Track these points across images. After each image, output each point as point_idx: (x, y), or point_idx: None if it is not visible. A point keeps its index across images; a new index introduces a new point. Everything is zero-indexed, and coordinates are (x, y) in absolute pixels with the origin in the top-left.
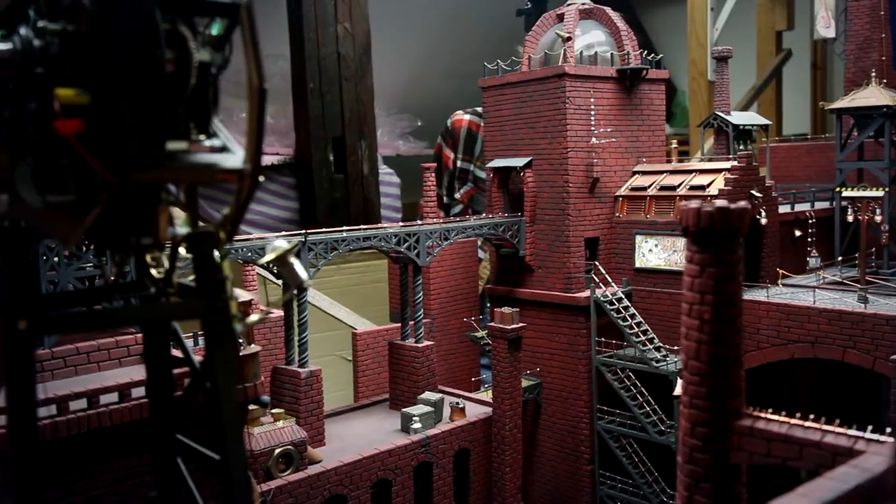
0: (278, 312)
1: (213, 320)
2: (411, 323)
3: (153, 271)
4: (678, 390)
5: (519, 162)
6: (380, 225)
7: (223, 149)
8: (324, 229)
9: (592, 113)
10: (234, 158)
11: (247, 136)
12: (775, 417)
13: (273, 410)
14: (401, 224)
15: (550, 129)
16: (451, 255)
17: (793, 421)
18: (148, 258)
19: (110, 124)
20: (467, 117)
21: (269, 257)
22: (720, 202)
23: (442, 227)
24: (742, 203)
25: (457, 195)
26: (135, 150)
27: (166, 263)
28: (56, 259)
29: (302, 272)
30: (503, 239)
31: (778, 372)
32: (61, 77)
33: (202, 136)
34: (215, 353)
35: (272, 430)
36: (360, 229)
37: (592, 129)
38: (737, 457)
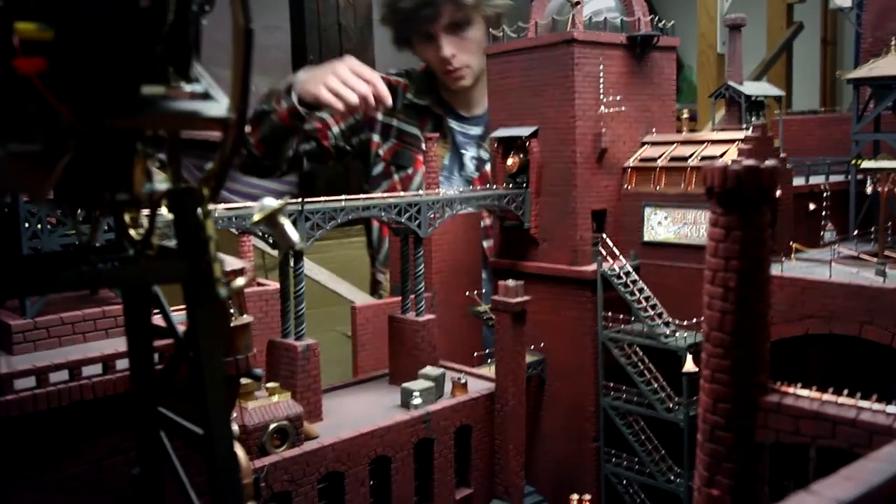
0: (275, 285)
1: (195, 284)
2: (412, 296)
3: (132, 232)
4: (687, 366)
5: (524, 131)
6: (380, 194)
7: (205, 95)
8: (322, 198)
9: (601, 81)
10: (218, 106)
11: (232, 82)
12: (805, 393)
13: (268, 385)
14: (402, 194)
15: (558, 98)
16: (454, 227)
17: (825, 397)
18: (126, 218)
19: (77, 64)
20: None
21: (256, 217)
22: (748, 161)
23: (444, 198)
24: (772, 161)
25: (380, 151)
26: (105, 93)
27: (146, 223)
28: (39, 226)
29: (293, 233)
30: (507, 211)
31: (789, 349)
32: (22, 9)
33: (182, 82)
34: (197, 319)
35: (267, 405)
36: (359, 199)
37: (601, 97)
38: (762, 435)
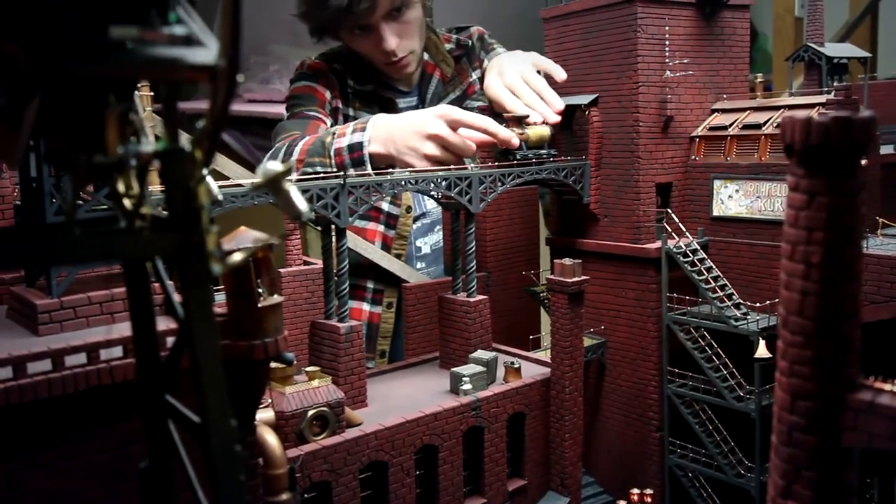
0: (319, 263)
1: (187, 259)
2: (462, 276)
3: (126, 201)
4: (760, 352)
5: (584, 100)
6: (429, 168)
7: (190, 40)
8: (366, 172)
9: (667, 43)
10: (206, 52)
11: (221, 24)
12: None
13: (308, 368)
14: (452, 167)
15: (619, 63)
16: (509, 203)
17: None
18: (120, 185)
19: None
20: (321, 60)
21: (259, 182)
22: (838, 112)
23: (497, 172)
24: (868, 113)
25: None
26: (65, 34)
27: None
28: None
29: (301, 201)
30: (565, 185)
31: (876, 335)
32: None
33: (161, 23)
34: (190, 298)
35: (306, 390)
36: (406, 171)
37: (667, 61)
38: (851, 438)
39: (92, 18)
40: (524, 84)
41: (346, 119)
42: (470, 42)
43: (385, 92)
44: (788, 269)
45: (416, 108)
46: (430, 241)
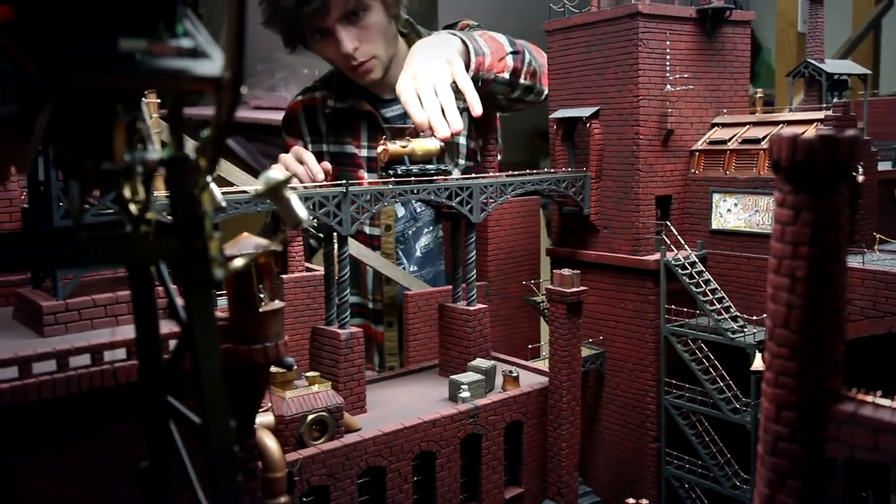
0: (320, 270)
1: (190, 264)
2: (463, 285)
3: (132, 207)
4: (756, 365)
5: (585, 112)
6: (428, 177)
7: (196, 52)
8: (369, 180)
9: (668, 58)
10: (211, 64)
11: (226, 38)
12: (887, 403)
13: (308, 374)
14: (453, 176)
15: (621, 76)
16: (510, 213)
17: None
18: (126, 191)
19: (44, 12)
20: (300, 97)
21: (260, 190)
22: (823, 130)
23: (498, 182)
24: (852, 131)
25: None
26: (75, 47)
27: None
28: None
29: (300, 209)
30: (566, 196)
31: (871, 350)
32: None
33: (169, 35)
34: (192, 302)
35: (306, 395)
36: (408, 181)
37: (668, 75)
38: (834, 449)
39: (101, 31)
40: (432, 94)
41: (321, 156)
42: None
43: (365, 106)
44: (775, 282)
45: (403, 114)
46: (420, 244)
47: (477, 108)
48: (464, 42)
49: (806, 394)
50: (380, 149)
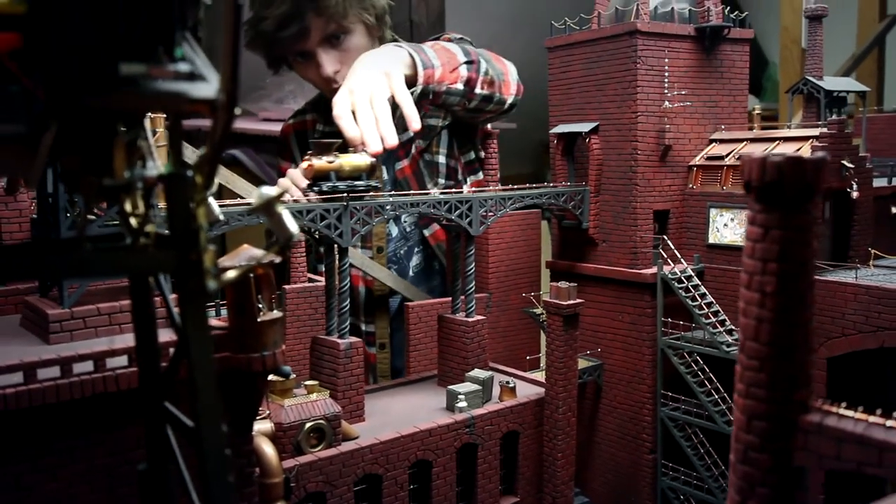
0: (322, 280)
1: (185, 275)
2: (462, 296)
3: (132, 220)
4: None
5: (585, 127)
6: (429, 191)
7: (193, 75)
8: (370, 193)
9: (666, 75)
10: (207, 87)
11: (221, 61)
12: (850, 413)
13: (307, 382)
14: (453, 190)
15: (620, 92)
16: (511, 226)
17: (872, 418)
18: (127, 205)
19: (50, 39)
20: (291, 121)
21: (253, 205)
22: (791, 152)
23: (497, 195)
24: (820, 154)
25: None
26: (79, 70)
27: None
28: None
29: (291, 224)
30: (565, 209)
31: (866, 363)
32: None
33: (167, 60)
34: (187, 311)
35: (304, 403)
36: (407, 194)
37: (666, 92)
38: (802, 458)
39: (104, 56)
40: (368, 108)
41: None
42: None
43: None
44: (746, 297)
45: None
46: (412, 263)
47: (414, 123)
48: (411, 55)
49: (775, 404)
50: (304, 164)
